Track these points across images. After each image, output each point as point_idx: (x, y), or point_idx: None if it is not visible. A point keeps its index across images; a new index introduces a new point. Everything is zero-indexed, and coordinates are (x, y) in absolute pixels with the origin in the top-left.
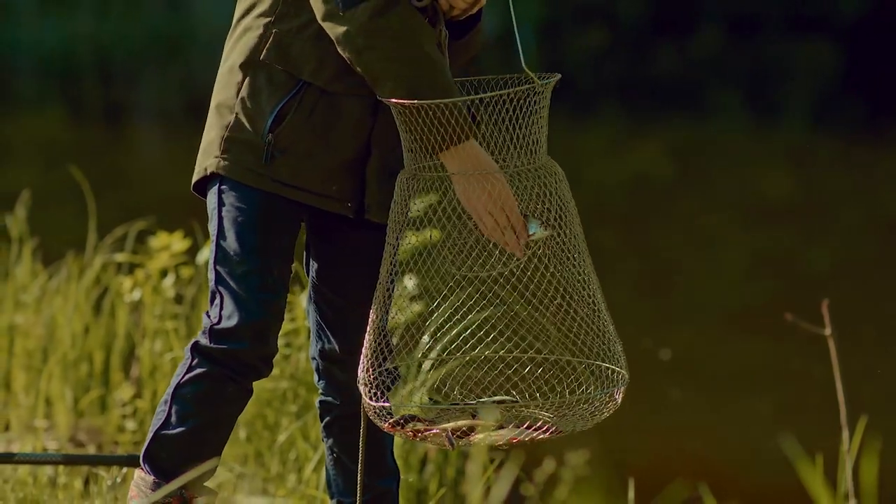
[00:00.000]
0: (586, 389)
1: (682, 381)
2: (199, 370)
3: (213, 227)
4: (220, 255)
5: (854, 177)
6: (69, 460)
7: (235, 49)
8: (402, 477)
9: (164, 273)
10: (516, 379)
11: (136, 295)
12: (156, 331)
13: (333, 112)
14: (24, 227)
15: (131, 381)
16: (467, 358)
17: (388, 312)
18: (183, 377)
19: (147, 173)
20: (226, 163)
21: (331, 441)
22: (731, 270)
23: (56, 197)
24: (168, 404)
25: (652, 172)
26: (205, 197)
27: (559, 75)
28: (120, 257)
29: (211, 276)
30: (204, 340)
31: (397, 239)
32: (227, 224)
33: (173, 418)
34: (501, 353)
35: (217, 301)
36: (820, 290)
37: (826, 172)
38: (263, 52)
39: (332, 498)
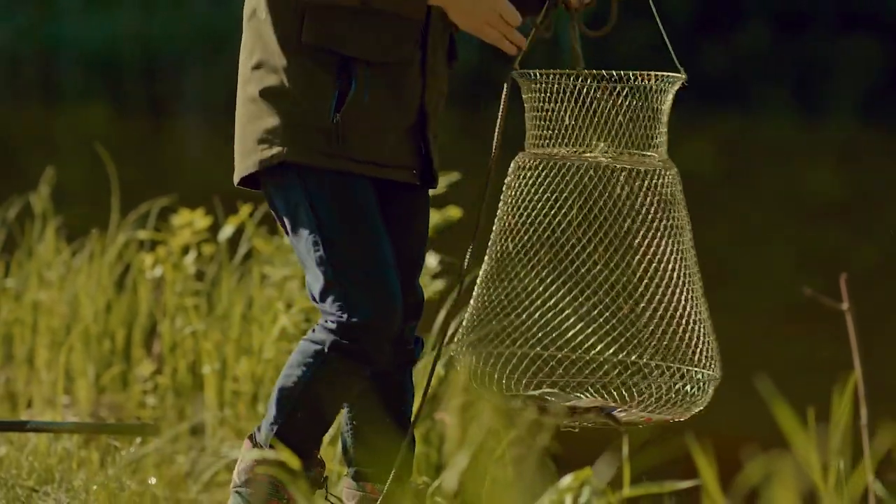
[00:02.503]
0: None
1: (728, 376)
2: (334, 366)
3: (304, 218)
4: (329, 246)
5: None
6: (80, 428)
7: (265, 33)
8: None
9: (185, 250)
10: (606, 380)
11: (158, 272)
12: (177, 307)
13: (387, 83)
14: (48, 204)
15: (152, 358)
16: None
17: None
18: (315, 372)
19: (190, 165)
20: (299, 150)
21: (350, 406)
22: (779, 266)
23: (82, 177)
24: (297, 398)
25: (699, 169)
26: (254, 188)
27: (683, 77)
28: (142, 234)
29: (322, 269)
30: (334, 336)
31: (511, 222)
32: (323, 213)
33: (304, 412)
34: (592, 354)
35: (339, 293)
36: (868, 286)
37: (874, 168)
38: (304, 33)
39: (348, 466)
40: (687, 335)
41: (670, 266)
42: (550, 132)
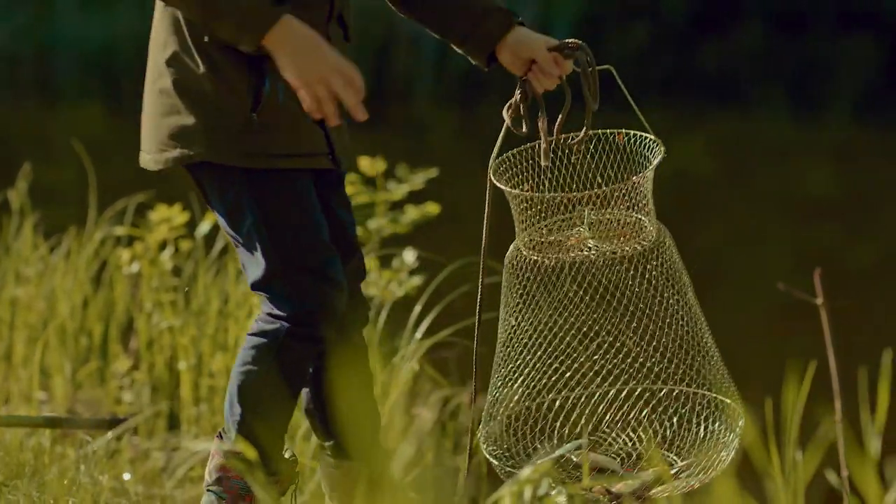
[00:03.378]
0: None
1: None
2: (290, 353)
3: (244, 212)
4: (271, 237)
5: None
6: (51, 423)
7: (179, 28)
8: None
9: (162, 246)
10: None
11: (135, 268)
12: (153, 303)
13: None
14: (26, 199)
15: (129, 353)
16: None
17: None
18: (272, 363)
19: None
20: (220, 151)
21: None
22: (774, 265)
23: (67, 174)
24: (259, 392)
25: (695, 167)
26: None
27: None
28: (119, 230)
29: (266, 259)
30: (287, 324)
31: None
32: (261, 207)
33: (267, 404)
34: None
35: (286, 282)
36: (863, 286)
37: (870, 168)
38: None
39: (325, 441)
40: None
41: (682, 329)
42: (537, 209)
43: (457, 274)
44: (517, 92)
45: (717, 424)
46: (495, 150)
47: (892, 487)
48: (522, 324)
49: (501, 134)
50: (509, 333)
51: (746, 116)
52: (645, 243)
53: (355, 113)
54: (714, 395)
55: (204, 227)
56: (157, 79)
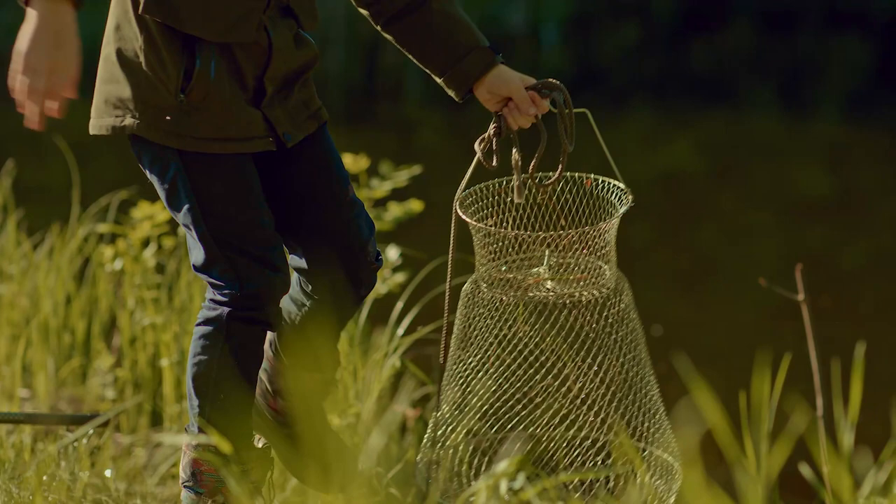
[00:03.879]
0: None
1: (718, 373)
2: (237, 337)
3: (180, 192)
4: (208, 220)
5: (889, 171)
6: (31, 419)
7: (122, 2)
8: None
9: (145, 243)
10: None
11: (118, 265)
12: (136, 300)
13: (229, 61)
14: (9, 196)
15: (112, 351)
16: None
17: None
18: (222, 349)
19: None
20: (149, 127)
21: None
22: (764, 263)
23: (43, 170)
24: (215, 380)
25: (686, 167)
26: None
27: (632, 199)
28: (103, 227)
29: (204, 243)
30: (229, 308)
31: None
32: (198, 187)
33: (225, 392)
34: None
35: (225, 266)
36: (855, 286)
37: (860, 166)
38: (142, 6)
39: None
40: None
41: (634, 383)
42: (499, 245)
43: (439, 271)
44: (491, 126)
45: (655, 480)
46: (463, 181)
47: (865, 481)
48: (471, 359)
49: (472, 166)
50: (456, 369)
51: (736, 116)
52: (603, 290)
53: (36, 122)
54: (657, 451)
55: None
56: (104, 45)
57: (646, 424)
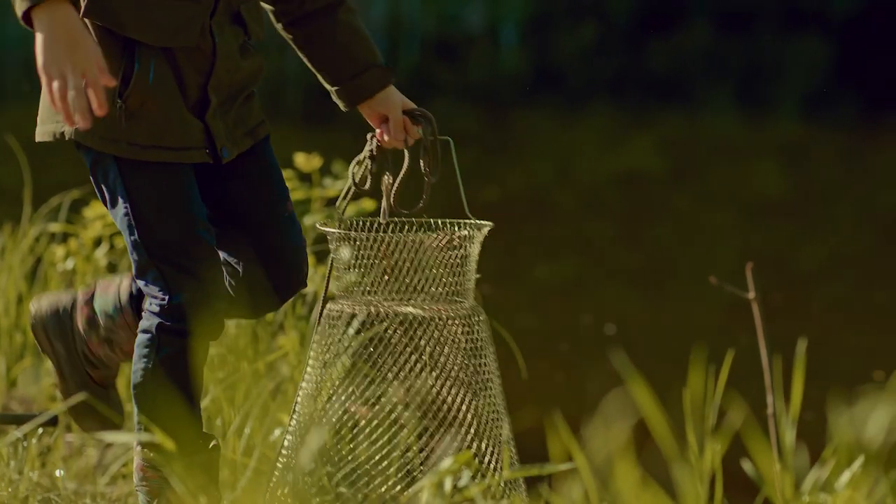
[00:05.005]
0: None
1: (669, 371)
2: (168, 349)
3: (118, 198)
4: (142, 229)
5: (846, 170)
6: None
7: None
8: None
9: (97, 242)
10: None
11: (70, 264)
12: None
13: (170, 67)
14: None
15: None
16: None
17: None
18: (155, 360)
19: None
20: (88, 133)
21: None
22: (722, 264)
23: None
24: (152, 390)
25: (643, 167)
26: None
27: (490, 224)
28: (54, 227)
29: (137, 251)
30: (159, 319)
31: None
32: (135, 195)
33: (162, 401)
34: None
35: (156, 275)
36: (809, 284)
37: (818, 166)
38: (83, 8)
39: None
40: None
41: (481, 417)
42: (363, 279)
43: None
44: (366, 148)
45: None
46: (340, 198)
47: (805, 478)
48: (319, 377)
49: (347, 185)
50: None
51: (694, 115)
52: (461, 312)
53: (83, 119)
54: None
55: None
56: None
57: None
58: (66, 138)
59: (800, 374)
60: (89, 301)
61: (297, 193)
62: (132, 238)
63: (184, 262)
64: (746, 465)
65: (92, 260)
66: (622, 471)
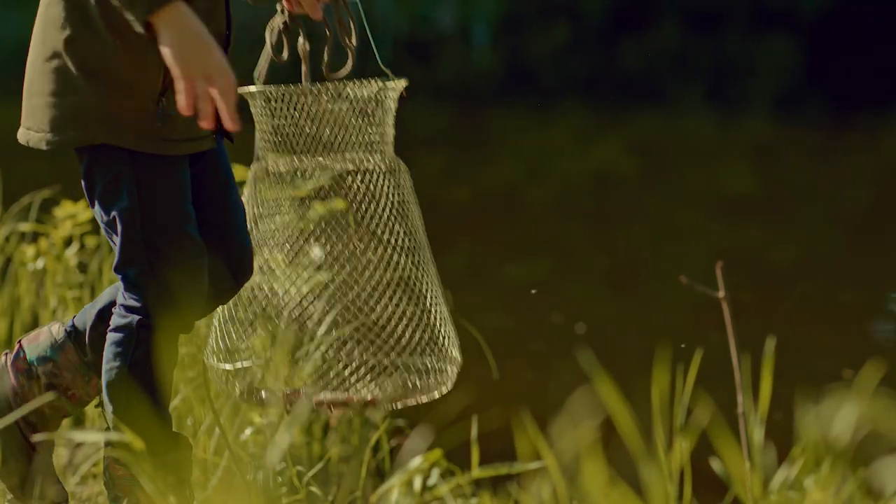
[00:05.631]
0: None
1: (647, 371)
2: (147, 346)
3: (123, 195)
4: (147, 226)
5: (816, 170)
6: None
7: (70, 6)
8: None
9: (68, 242)
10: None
11: (40, 264)
12: (58, 299)
13: None
14: None
15: None
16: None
17: None
18: (132, 357)
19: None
20: (123, 134)
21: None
22: (694, 263)
23: None
24: (127, 388)
25: (615, 167)
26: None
27: (405, 81)
28: (24, 226)
29: (135, 248)
30: (139, 316)
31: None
32: (145, 193)
33: (137, 398)
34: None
35: (149, 273)
36: (780, 283)
37: (789, 166)
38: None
39: None
40: (427, 331)
41: (408, 265)
42: (280, 140)
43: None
44: (278, 16)
45: (429, 379)
46: (258, 64)
47: (775, 476)
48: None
49: (263, 55)
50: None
51: (665, 115)
52: (382, 165)
53: (230, 120)
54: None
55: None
56: (48, 58)
57: (432, 329)
58: (95, 142)
59: (768, 372)
60: (17, 357)
61: (267, 193)
62: (126, 232)
63: (176, 257)
64: (715, 464)
65: (62, 259)
66: (591, 469)
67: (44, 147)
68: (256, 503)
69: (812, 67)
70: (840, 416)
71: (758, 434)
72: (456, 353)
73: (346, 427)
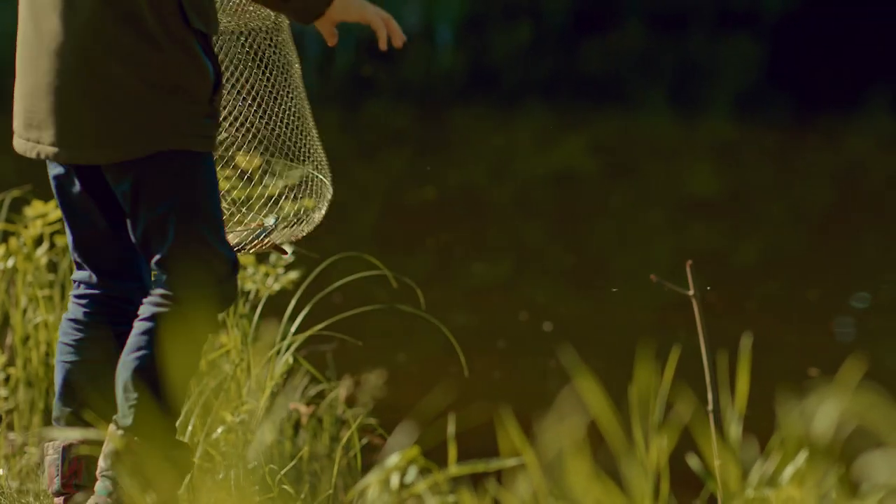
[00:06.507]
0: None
1: (610, 368)
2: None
3: (190, 195)
4: (204, 220)
5: (778, 169)
6: None
7: (127, 17)
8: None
9: (38, 241)
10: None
11: (10, 263)
12: (29, 298)
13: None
14: None
15: (4, 349)
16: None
17: None
18: (160, 345)
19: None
20: (196, 138)
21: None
22: (658, 263)
23: None
24: (160, 373)
25: (578, 167)
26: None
27: None
28: None
29: (176, 240)
30: (176, 307)
31: None
32: (208, 191)
33: (164, 386)
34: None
35: (191, 264)
36: (744, 282)
37: (751, 166)
38: (191, 19)
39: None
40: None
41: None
42: None
43: (332, 269)
44: None
45: (310, 195)
46: None
47: (752, 472)
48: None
49: None
50: None
51: (628, 116)
52: (266, 23)
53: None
54: (313, 172)
55: None
56: (107, 71)
57: (299, 145)
58: (175, 148)
59: (745, 369)
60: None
61: (237, 192)
62: (181, 225)
63: (224, 250)
64: (692, 460)
65: (33, 259)
66: (574, 465)
67: (108, 160)
68: (230, 502)
69: (774, 68)
70: (820, 412)
71: (735, 429)
72: (329, 183)
73: (316, 425)
